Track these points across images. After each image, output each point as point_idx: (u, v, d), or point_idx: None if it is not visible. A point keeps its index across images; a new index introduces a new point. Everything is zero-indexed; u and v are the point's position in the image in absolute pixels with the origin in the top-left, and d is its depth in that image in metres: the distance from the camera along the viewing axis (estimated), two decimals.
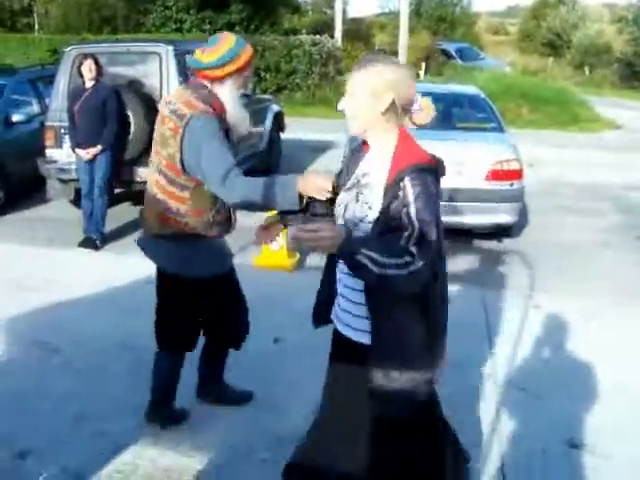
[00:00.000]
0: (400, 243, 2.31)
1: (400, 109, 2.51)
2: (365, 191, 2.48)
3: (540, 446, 3.69)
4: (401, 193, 2.35)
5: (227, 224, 3.64)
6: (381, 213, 2.38)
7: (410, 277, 2.29)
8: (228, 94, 3.35)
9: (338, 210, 2.61)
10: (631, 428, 3.92)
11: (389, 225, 2.36)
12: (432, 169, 2.45)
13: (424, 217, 2.32)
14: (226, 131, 3.35)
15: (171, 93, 7.71)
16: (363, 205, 2.47)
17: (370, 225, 2.42)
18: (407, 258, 2.28)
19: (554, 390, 4.33)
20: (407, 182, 2.35)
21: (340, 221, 2.57)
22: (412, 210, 2.32)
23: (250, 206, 3.28)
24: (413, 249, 2.29)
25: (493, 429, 3.88)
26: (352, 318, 2.66)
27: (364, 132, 2.57)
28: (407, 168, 2.38)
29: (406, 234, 2.32)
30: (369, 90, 2.49)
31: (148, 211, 3.53)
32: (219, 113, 3.31)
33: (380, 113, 2.49)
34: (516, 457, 3.64)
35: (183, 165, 3.27)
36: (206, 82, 3.35)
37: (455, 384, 4.31)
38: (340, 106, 2.76)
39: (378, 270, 2.26)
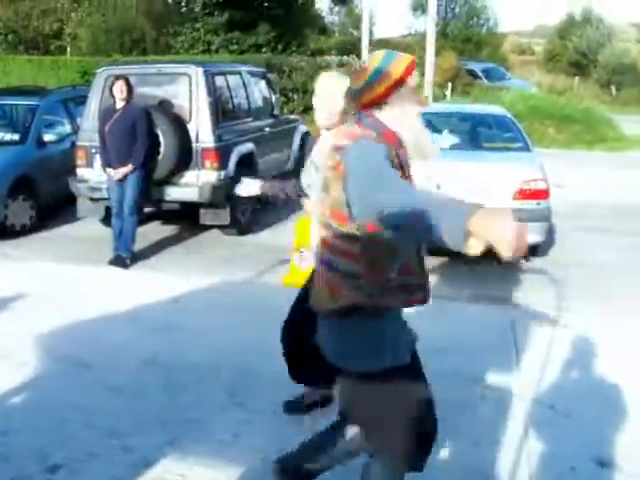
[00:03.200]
0: None
1: None
2: None
3: (569, 465, 3.67)
4: None
5: (420, 289, 2.72)
6: None
7: None
8: (392, 116, 2.65)
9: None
10: None
11: None
12: None
13: None
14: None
15: (201, 112, 7.90)
16: None
17: None
18: None
19: (583, 409, 4.31)
20: None
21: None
22: None
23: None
24: None
25: (522, 447, 3.87)
26: None
27: None
28: None
29: None
30: None
31: (315, 289, 2.79)
32: (388, 139, 2.60)
33: None
34: (545, 476, 3.62)
35: (349, 207, 2.49)
36: (369, 110, 2.68)
37: (484, 403, 4.31)
38: None
39: None
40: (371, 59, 2.73)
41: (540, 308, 6.23)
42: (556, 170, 10.45)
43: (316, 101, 3.83)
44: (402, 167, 2.58)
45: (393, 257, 2.53)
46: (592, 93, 33.94)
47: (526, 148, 8.13)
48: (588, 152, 17.09)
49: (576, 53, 41.95)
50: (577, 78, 35.84)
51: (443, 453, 3.82)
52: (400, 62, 2.67)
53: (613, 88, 35.06)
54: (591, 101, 27.96)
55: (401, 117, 2.66)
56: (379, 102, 2.66)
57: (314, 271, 2.89)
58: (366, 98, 2.66)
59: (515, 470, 3.66)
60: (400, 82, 2.65)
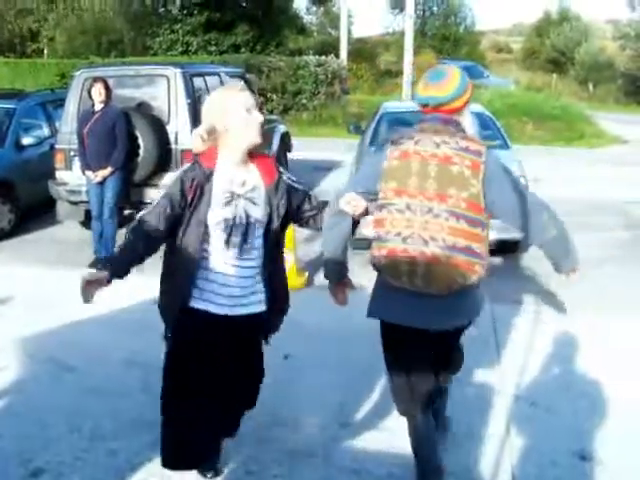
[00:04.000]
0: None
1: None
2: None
3: (550, 458, 3.72)
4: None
5: None
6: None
7: None
8: (468, 121, 3.28)
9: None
10: None
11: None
12: None
13: None
14: None
15: (180, 114, 7.87)
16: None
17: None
18: None
19: (563, 403, 4.36)
20: None
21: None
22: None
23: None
24: None
25: (503, 442, 3.90)
26: None
27: None
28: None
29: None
30: None
31: (435, 273, 3.09)
32: None
33: None
34: (527, 470, 3.66)
35: (486, 202, 3.06)
36: (450, 115, 3.20)
37: (465, 398, 4.34)
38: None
39: None
40: (450, 72, 3.22)
41: (521, 304, 6.29)
42: (535, 167, 10.54)
43: None
44: None
45: None
46: (570, 90, 34.20)
47: (504, 145, 8.18)
48: (567, 149, 17.22)
49: (553, 51, 42.28)
50: (555, 75, 36.09)
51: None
52: (468, 77, 3.30)
53: (590, 85, 35.35)
54: (569, 98, 28.16)
55: (471, 121, 3.30)
56: (462, 108, 3.22)
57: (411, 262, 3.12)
58: (453, 106, 3.18)
59: (497, 465, 3.69)
60: (472, 92, 3.26)
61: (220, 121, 3.13)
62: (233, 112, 3.12)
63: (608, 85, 35.23)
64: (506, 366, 4.94)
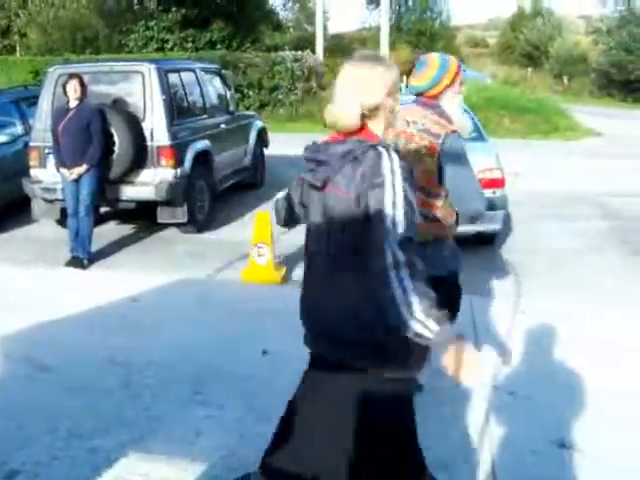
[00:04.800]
0: None
1: None
2: None
3: (529, 447, 3.73)
4: None
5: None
6: None
7: None
8: (451, 106, 3.66)
9: None
10: (619, 428, 3.96)
11: None
12: None
13: None
14: None
15: (156, 110, 7.83)
16: None
17: None
18: None
19: (542, 392, 4.37)
20: None
21: None
22: None
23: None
24: None
25: (483, 431, 3.91)
26: None
27: None
28: None
29: None
30: None
31: None
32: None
33: None
34: (506, 459, 3.67)
35: (440, 179, 3.54)
36: (431, 101, 3.68)
37: (443, 388, 4.35)
38: None
39: None
40: (430, 62, 3.67)
41: (499, 294, 6.31)
42: (512, 159, 10.60)
43: None
44: None
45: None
46: (545, 84, 34.48)
47: (481, 138, 8.20)
48: (543, 141, 17.33)
49: (528, 45, 42.57)
50: (530, 69, 36.33)
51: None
52: (453, 63, 3.67)
53: (565, 79, 35.61)
54: (544, 91, 28.37)
55: (455, 104, 3.66)
56: (439, 95, 3.64)
57: None
58: (430, 93, 3.64)
59: (477, 454, 3.70)
60: (455, 78, 3.64)
61: None
62: None
63: (582, 79, 35.55)
64: (485, 356, 4.95)
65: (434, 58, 3.73)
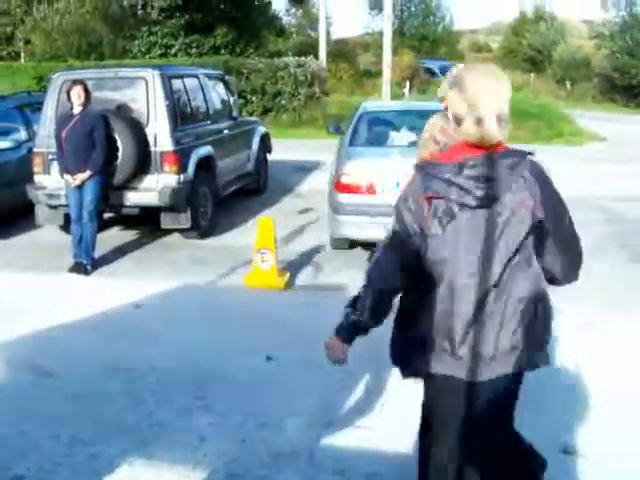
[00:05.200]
0: None
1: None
2: None
3: None
4: None
5: None
6: None
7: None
8: None
9: None
10: (622, 433, 3.95)
11: None
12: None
13: None
14: None
15: (159, 116, 7.85)
16: None
17: None
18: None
19: (545, 397, 4.36)
20: None
21: None
22: None
23: None
24: None
25: None
26: None
27: None
28: None
29: None
30: None
31: None
32: None
33: None
34: None
35: None
36: None
37: None
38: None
39: None
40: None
41: None
42: None
43: None
44: None
45: None
46: (548, 89, 34.46)
47: None
48: (547, 146, 17.32)
49: (531, 50, 42.53)
50: (533, 74, 36.33)
51: (413, 446, 3.85)
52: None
53: (568, 83, 35.60)
54: (547, 96, 28.37)
55: None
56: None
57: None
58: (444, 103, 3.08)
59: None
60: None
61: None
62: None
63: (585, 84, 35.52)
64: None
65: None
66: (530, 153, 2.52)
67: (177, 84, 8.52)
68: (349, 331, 2.73)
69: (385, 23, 23.56)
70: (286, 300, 6.35)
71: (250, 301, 6.26)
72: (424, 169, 2.54)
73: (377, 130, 8.62)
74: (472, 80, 2.47)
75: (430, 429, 2.78)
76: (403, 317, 2.75)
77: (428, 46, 40.54)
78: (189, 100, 8.84)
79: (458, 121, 2.49)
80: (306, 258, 7.62)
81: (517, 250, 2.51)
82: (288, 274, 6.82)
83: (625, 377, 4.64)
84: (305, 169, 13.29)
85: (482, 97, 2.42)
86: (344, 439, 3.94)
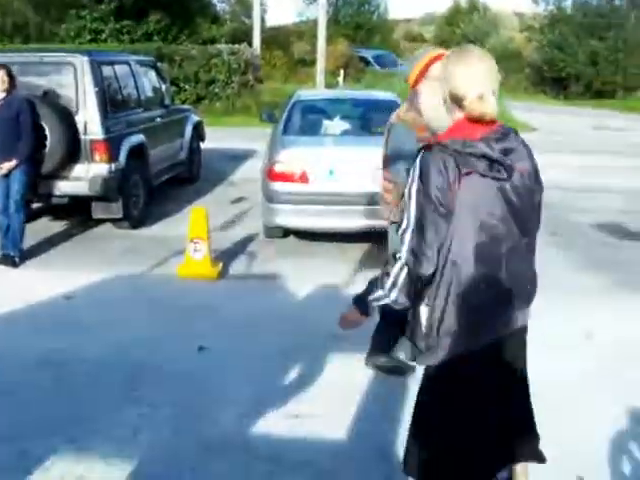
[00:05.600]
0: None
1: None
2: None
3: None
4: None
5: None
6: None
7: None
8: (426, 97, 3.83)
9: None
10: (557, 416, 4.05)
11: None
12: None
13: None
14: None
15: (89, 103, 7.69)
16: None
17: None
18: None
19: None
20: None
21: None
22: None
23: None
24: None
25: None
26: None
27: None
28: None
29: None
30: None
31: None
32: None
33: None
34: None
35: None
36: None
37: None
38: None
39: None
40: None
41: None
42: None
43: None
44: None
45: None
46: None
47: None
48: None
49: (464, 40, 43.10)
50: None
51: (346, 433, 3.89)
52: (429, 54, 3.94)
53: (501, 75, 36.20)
54: None
55: (427, 98, 3.75)
56: (413, 87, 4.10)
57: None
58: (409, 82, 4.14)
59: None
60: (420, 76, 3.95)
61: None
62: None
63: (517, 75, 36.20)
64: None
65: (424, 54, 4.14)
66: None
67: (107, 71, 8.35)
68: (367, 304, 2.74)
69: (320, 11, 23.56)
70: (219, 290, 6.32)
71: (183, 291, 6.22)
72: (450, 147, 2.53)
73: (311, 118, 8.63)
74: (470, 60, 2.65)
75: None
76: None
77: (363, 35, 40.63)
78: (120, 87, 8.68)
79: (457, 100, 2.62)
80: (239, 247, 7.59)
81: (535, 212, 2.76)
82: (221, 263, 6.78)
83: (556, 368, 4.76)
84: (239, 158, 13.23)
85: (482, 75, 2.63)
86: (277, 428, 3.95)
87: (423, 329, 2.64)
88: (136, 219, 8.45)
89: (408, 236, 2.56)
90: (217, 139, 13.09)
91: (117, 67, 8.73)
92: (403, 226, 2.58)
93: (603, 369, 4.73)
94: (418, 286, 2.61)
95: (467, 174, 2.51)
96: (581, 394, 4.36)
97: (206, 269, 6.55)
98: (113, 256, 7.37)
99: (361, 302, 2.77)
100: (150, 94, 9.70)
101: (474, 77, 2.61)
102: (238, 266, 7.00)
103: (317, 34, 23.04)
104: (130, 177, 8.24)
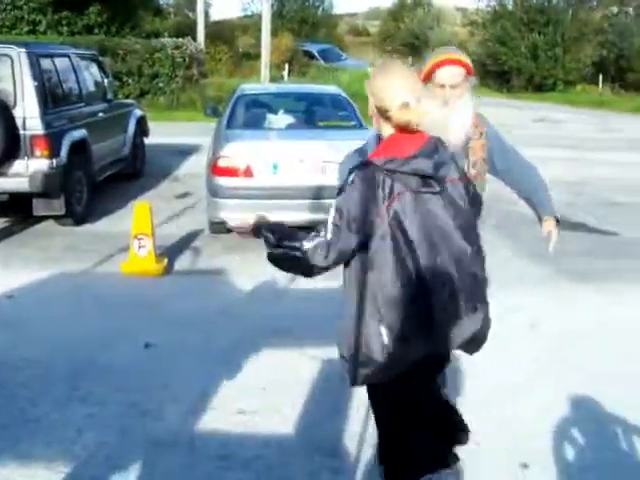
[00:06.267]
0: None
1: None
2: None
3: None
4: None
5: None
6: None
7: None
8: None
9: None
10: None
11: None
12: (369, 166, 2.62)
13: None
14: None
15: (28, 97, 7.51)
16: None
17: None
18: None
19: None
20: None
21: None
22: None
23: None
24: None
25: (367, 418, 3.99)
26: None
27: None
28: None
29: None
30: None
31: None
32: None
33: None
34: None
35: None
36: None
37: (329, 378, 4.41)
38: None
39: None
40: None
41: None
42: None
43: None
44: None
45: None
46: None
47: (359, 126, 8.32)
48: None
49: (409, 35, 43.50)
50: (410, 58, 37.12)
51: (293, 428, 3.89)
52: (429, 62, 3.44)
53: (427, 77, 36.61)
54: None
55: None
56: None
57: None
58: None
59: (361, 441, 3.77)
60: (425, 78, 3.38)
61: None
62: None
63: None
64: None
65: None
66: None
67: (46, 63, 8.17)
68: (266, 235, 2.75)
69: (264, 5, 23.47)
70: (164, 286, 6.26)
71: (127, 288, 6.14)
72: (383, 166, 2.58)
73: (255, 113, 8.59)
74: (392, 73, 2.73)
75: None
76: None
77: (308, 29, 40.53)
78: (60, 81, 8.50)
79: (383, 112, 2.69)
80: (185, 243, 7.52)
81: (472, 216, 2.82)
82: (166, 260, 6.71)
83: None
84: (183, 153, 13.10)
85: (404, 85, 2.67)
86: (225, 423, 3.93)
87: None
88: (79, 215, 8.31)
89: (329, 232, 2.61)
90: (161, 134, 12.94)
91: (57, 60, 8.55)
92: (330, 220, 2.62)
93: (547, 358, 4.84)
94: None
95: (400, 193, 2.56)
96: (526, 383, 4.45)
97: (151, 265, 6.47)
98: (56, 253, 7.23)
99: (268, 233, 2.74)
100: (92, 88, 9.52)
101: (397, 88, 2.66)
102: (183, 262, 6.94)
103: (262, 28, 22.94)
104: (72, 173, 8.09)
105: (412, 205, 2.58)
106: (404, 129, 2.66)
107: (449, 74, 3.41)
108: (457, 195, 2.71)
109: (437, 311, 2.64)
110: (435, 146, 2.68)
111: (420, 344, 2.66)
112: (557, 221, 3.77)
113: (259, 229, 2.82)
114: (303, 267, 2.72)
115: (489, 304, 2.86)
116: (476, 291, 2.77)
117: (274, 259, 2.77)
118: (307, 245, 2.63)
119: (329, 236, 2.60)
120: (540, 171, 3.74)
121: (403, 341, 2.62)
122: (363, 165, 2.62)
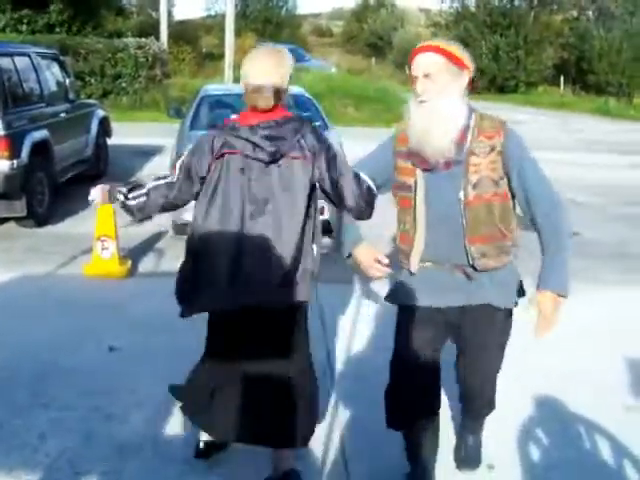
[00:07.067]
0: None
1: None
2: None
3: (381, 432, 3.80)
4: None
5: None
6: None
7: None
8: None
9: None
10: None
11: None
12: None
13: None
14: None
15: None
16: None
17: None
18: None
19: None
20: None
21: None
22: None
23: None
24: None
25: (333, 418, 4.00)
26: None
27: None
28: None
29: None
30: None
31: None
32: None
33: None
34: (358, 443, 3.78)
35: None
36: None
37: None
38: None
39: None
40: None
41: (344, 283, 6.41)
42: (356, 147, 10.82)
43: None
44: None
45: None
46: (388, 73, 35.49)
47: (324, 126, 8.34)
48: (387, 130, 17.85)
49: (372, 35, 43.69)
50: (374, 59, 37.30)
51: None
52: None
53: (407, 69, 36.80)
54: (388, 81, 29.20)
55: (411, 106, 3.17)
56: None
57: None
58: None
59: (328, 441, 3.77)
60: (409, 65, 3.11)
61: None
62: None
63: None
64: (332, 345, 5.06)
65: None
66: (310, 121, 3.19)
67: (6, 62, 8.05)
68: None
69: (228, 5, 23.39)
70: (128, 288, 6.20)
71: (90, 290, 6.07)
72: (226, 129, 3.02)
73: (218, 113, 8.54)
74: (255, 57, 3.04)
75: None
76: None
77: (271, 29, 40.55)
78: (21, 81, 8.39)
79: (245, 91, 3.03)
80: (148, 245, 7.47)
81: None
82: (130, 262, 6.66)
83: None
84: (146, 153, 13.00)
85: (262, 70, 2.97)
86: (190, 427, 3.89)
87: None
88: (41, 217, 8.21)
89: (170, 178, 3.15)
90: (124, 135, 12.83)
91: (17, 59, 8.43)
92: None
93: (506, 357, 4.87)
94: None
95: (231, 153, 2.96)
96: None
97: (114, 267, 6.42)
98: (17, 255, 7.13)
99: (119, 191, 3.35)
100: (53, 88, 9.41)
101: (255, 72, 2.98)
102: (147, 264, 6.89)
103: (225, 28, 22.86)
104: (34, 174, 7.99)
105: (239, 165, 2.97)
106: (255, 109, 2.99)
107: (422, 62, 2.96)
108: (288, 171, 2.98)
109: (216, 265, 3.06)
110: (281, 123, 2.97)
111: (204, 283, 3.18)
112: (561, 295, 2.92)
113: (111, 193, 3.50)
114: (152, 207, 3.26)
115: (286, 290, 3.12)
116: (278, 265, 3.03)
117: (132, 209, 3.36)
118: (150, 185, 3.20)
119: (170, 178, 3.13)
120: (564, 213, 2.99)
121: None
122: (209, 128, 3.20)
